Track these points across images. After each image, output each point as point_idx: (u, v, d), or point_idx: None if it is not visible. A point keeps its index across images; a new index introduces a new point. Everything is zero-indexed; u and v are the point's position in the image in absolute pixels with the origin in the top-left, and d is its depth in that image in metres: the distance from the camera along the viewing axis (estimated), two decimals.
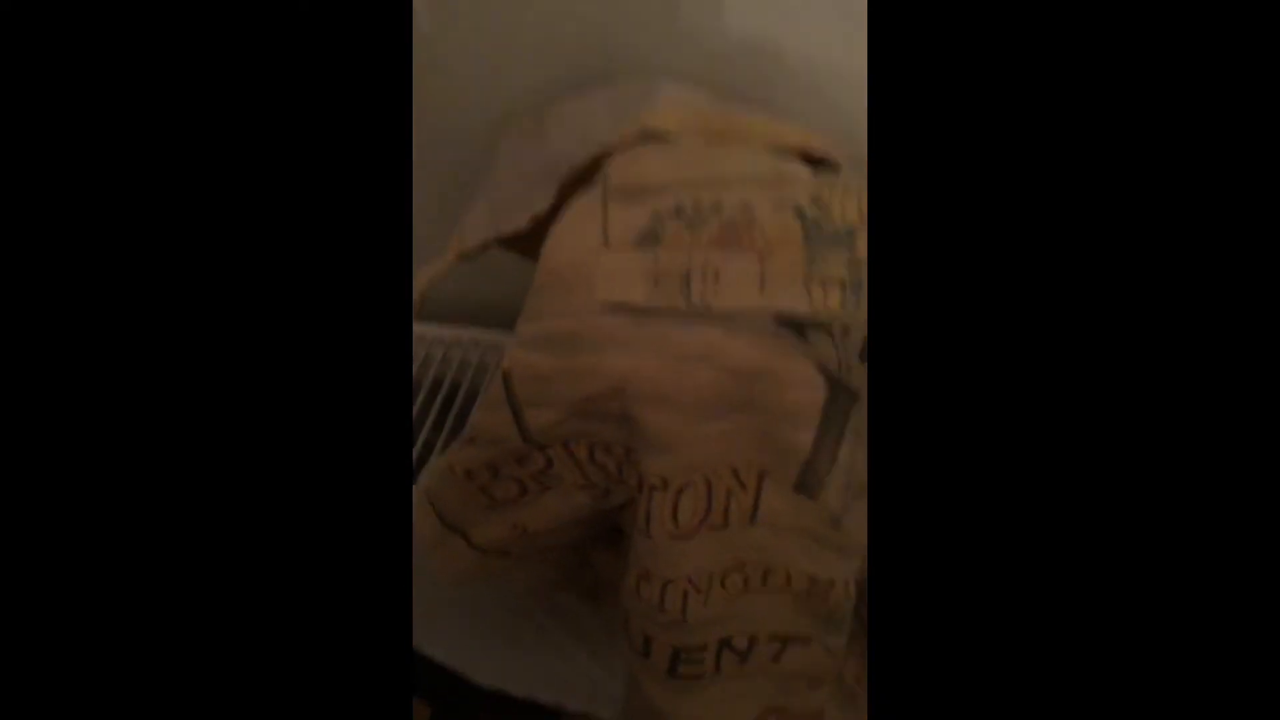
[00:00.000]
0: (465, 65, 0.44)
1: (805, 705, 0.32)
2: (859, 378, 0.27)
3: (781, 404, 0.27)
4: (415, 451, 0.49)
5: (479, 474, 0.33)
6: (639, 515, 0.30)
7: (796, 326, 0.27)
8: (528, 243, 0.32)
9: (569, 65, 0.42)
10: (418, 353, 0.54)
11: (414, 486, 0.39)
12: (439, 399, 0.52)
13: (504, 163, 0.39)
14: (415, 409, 0.51)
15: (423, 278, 0.34)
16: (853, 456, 0.27)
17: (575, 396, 0.29)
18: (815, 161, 0.33)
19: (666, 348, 0.28)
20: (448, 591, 0.42)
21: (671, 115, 0.33)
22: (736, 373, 0.27)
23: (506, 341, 0.34)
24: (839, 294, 0.27)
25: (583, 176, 0.32)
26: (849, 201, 0.29)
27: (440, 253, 0.35)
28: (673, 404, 0.28)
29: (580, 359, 0.29)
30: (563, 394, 0.29)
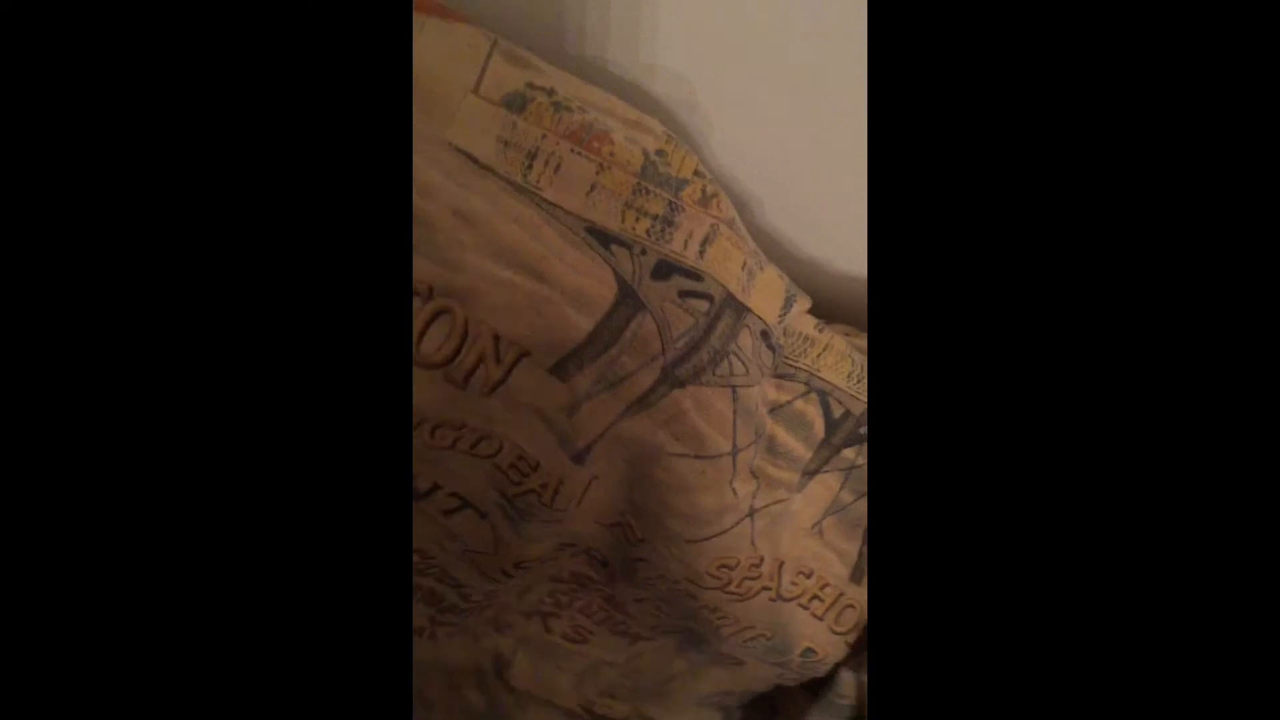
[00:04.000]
0: None
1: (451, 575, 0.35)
2: (647, 290, 0.32)
3: (572, 287, 0.31)
4: None
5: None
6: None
7: (602, 237, 0.31)
8: None
9: None
10: None
11: None
12: None
13: None
14: None
15: None
16: (620, 355, 0.32)
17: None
18: None
19: (491, 199, 0.30)
20: None
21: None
22: (542, 245, 0.31)
23: None
24: (648, 224, 0.32)
25: None
26: (688, 161, 0.33)
27: None
28: (480, 235, 0.30)
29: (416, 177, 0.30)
30: None
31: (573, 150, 0.31)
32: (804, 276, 0.42)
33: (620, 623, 0.46)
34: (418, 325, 0.31)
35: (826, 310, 0.40)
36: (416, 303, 0.31)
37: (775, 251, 0.41)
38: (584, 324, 0.31)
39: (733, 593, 0.40)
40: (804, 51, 0.35)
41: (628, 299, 0.31)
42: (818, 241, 0.44)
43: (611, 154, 0.31)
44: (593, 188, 0.31)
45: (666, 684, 0.50)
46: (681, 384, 0.33)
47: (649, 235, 0.32)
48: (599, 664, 0.48)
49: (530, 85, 0.31)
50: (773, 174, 0.42)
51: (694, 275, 0.32)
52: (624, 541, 0.39)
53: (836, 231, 0.44)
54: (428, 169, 0.30)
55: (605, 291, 0.31)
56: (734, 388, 0.34)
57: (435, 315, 0.31)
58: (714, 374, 0.33)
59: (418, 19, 0.31)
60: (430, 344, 0.31)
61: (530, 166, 0.31)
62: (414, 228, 0.31)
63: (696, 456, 0.34)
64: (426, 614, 0.44)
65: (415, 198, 0.30)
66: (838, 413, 0.38)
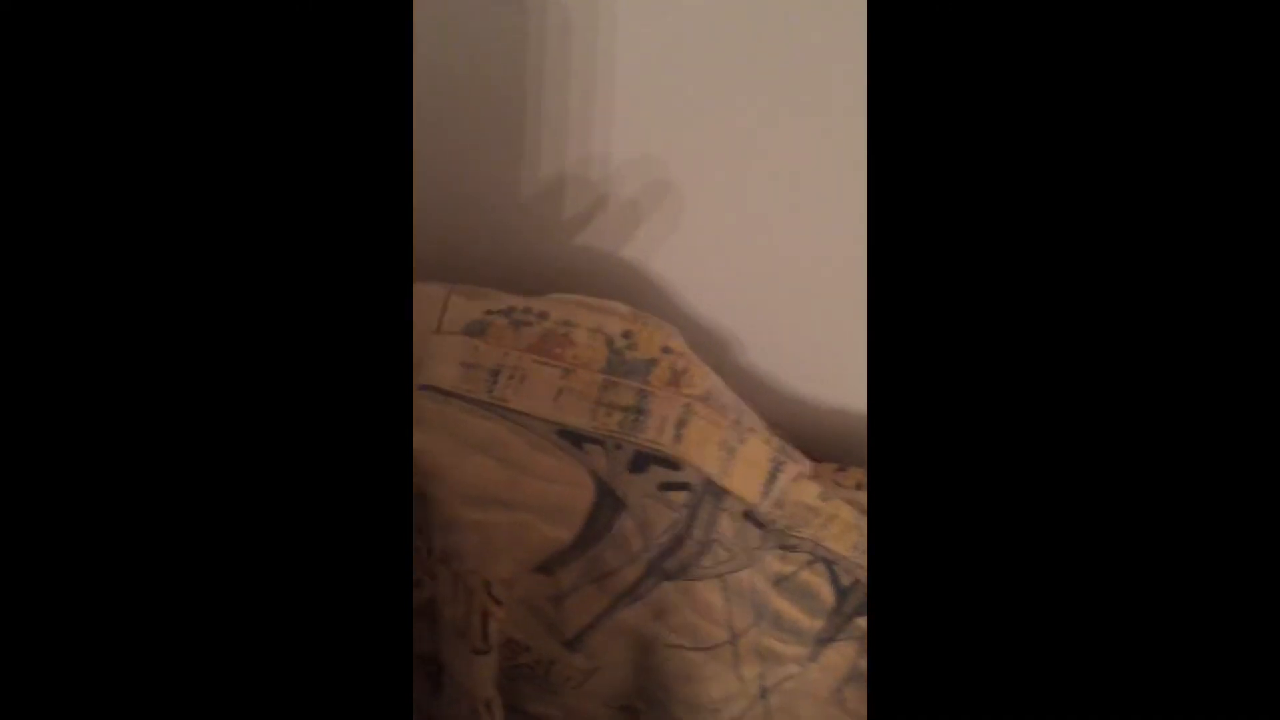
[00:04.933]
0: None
1: None
2: (625, 486, 0.31)
3: (548, 503, 0.30)
4: None
5: None
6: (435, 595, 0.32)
7: (574, 437, 0.31)
8: None
9: None
10: None
11: None
12: None
13: None
14: None
15: None
16: (603, 553, 0.31)
17: None
18: None
19: (456, 430, 0.31)
20: None
21: None
22: (510, 466, 0.31)
23: None
24: (620, 417, 0.32)
25: None
26: (655, 337, 0.33)
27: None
28: (449, 485, 0.31)
29: None
30: None
31: (535, 361, 0.32)
32: (791, 416, 0.41)
33: None
34: (444, 596, 0.31)
35: (814, 448, 0.39)
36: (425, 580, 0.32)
37: (759, 395, 0.40)
38: (564, 536, 0.31)
39: None
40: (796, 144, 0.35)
41: (606, 499, 0.31)
42: (803, 378, 0.43)
43: (575, 356, 0.32)
44: (560, 392, 0.31)
45: None
46: (670, 577, 0.32)
47: (621, 428, 0.31)
48: None
49: (488, 311, 0.32)
50: (756, 308, 0.41)
51: (672, 464, 0.31)
52: None
53: (824, 366, 0.43)
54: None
55: (582, 495, 0.31)
56: (722, 575, 0.32)
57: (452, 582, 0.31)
58: (699, 567, 0.32)
59: None
60: (449, 614, 0.32)
61: (495, 382, 0.31)
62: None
63: (694, 649, 0.33)
64: None
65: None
66: (846, 581, 0.36)
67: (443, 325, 0.33)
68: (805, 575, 0.36)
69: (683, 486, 0.31)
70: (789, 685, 0.36)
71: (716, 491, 0.32)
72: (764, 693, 0.36)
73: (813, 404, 0.44)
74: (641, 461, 0.31)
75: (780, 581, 0.35)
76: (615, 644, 0.33)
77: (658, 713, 0.35)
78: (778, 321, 0.42)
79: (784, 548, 0.35)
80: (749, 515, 0.33)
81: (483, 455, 0.31)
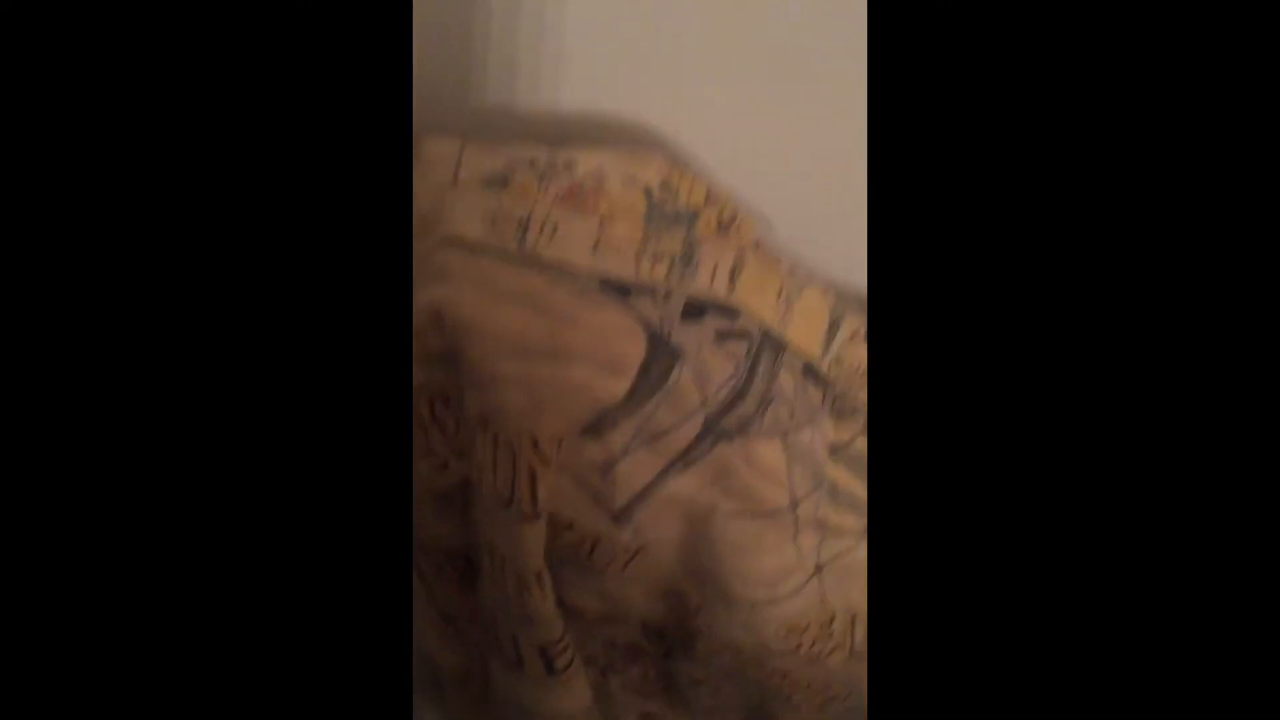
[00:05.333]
0: None
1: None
2: (680, 335, 0.28)
3: (597, 354, 0.28)
4: None
5: None
6: (472, 468, 0.30)
7: (619, 287, 0.29)
8: None
9: None
10: None
11: None
12: None
13: None
14: None
15: None
16: (656, 409, 0.28)
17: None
18: None
19: (487, 283, 0.28)
20: None
21: None
22: (550, 317, 0.28)
23: None
24: (667, 266, 0.29)
25: None
26: (697, 186, 0.31)
27: None
28: (486, 338, 0.28)
29: (415, 296, 0.29)
30: None
31: (568, 212, 0.29)
32: None
33: (677, 699, 0.43)
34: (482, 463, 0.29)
35: None
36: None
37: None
38: (617, 389, 0.28)
39: (805, 657, 0.36)
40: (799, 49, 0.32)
41: (660, 348, 0.28)
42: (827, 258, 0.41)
43: (610, 207, 0.29)
44: (598, 243, 0.29)
45: None
46: (728, 437, 0.29)
47: (670, 278, 0.29)
48: (651, 715, 0.45)
49: (510, 162, 0.30)
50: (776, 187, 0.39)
51: (729, 312, 0.29)
52: (681, 611, 0.35)
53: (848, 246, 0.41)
54: (430, 287, 0.29)
55: (634, 345, 0.28)
56: (784, 434, 0.30)
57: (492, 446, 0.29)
58: (759, 424, 0.29)
59: None
60: (489, 482, 0.29)
61: (525, 234, 0.29)
62: (432, 360, 0.30)
63: (753, 515, 0.30)
64: None
65: (424, 325, 0.29)
66: None
67: (459, 179, 0.30)
68: (861, 443, 0.34)
69: (741, 335, 0.29)
70: (844, 561, 0.34)
71: (775, 343, 0.29)
72: (819, 569, 0.34)
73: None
74: (695, 309, 0.28)
75: (836, 452, 0.33)
76: (666, 516, 0.31)
77: (708, 590, 0.33)
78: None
79: (839, 412, 0.33)
80: (808, 371, 0.31)
81: (520, 306, 0.28)
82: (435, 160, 0.31)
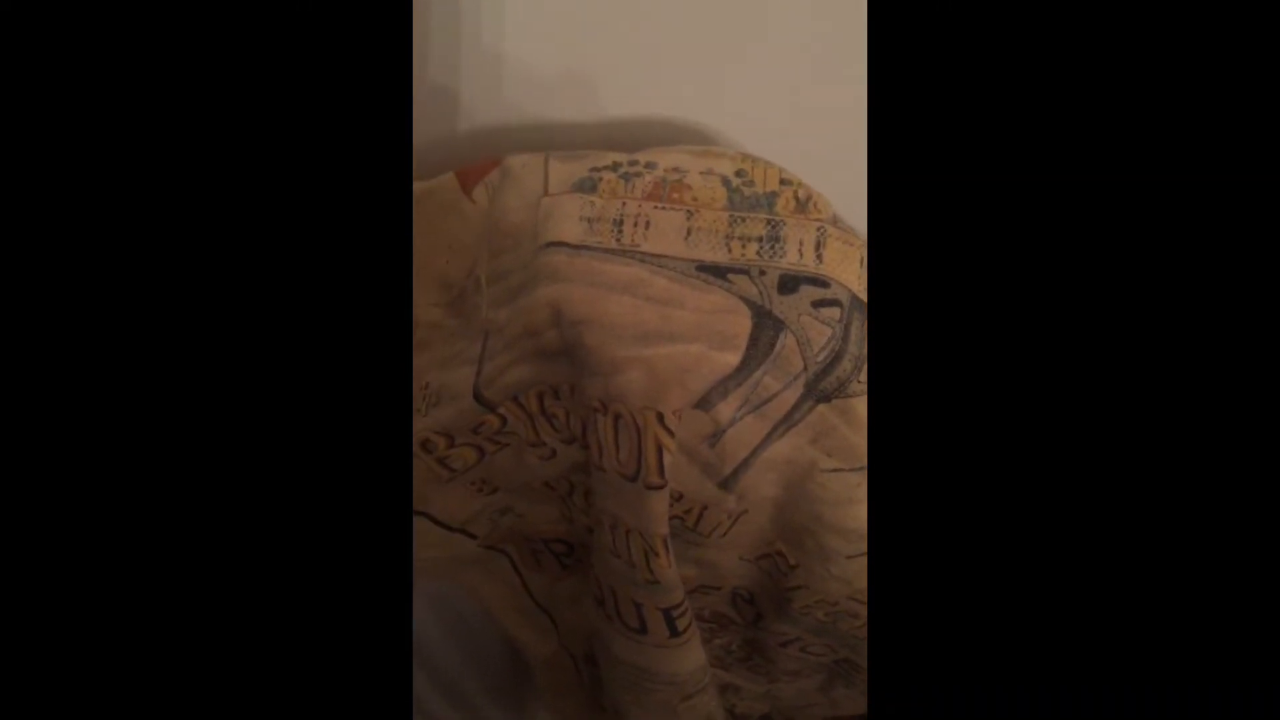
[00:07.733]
0: None
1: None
2: (780, 307, 0.31)
3: (708, 331, 0.30)
4: None
5: (434, 444, 0.33)
6: (591, 450, 0.32)
7: (717, 271, 0.31)
8: None
9: None
10: None
11: None
12: None
13: None
14: None
15: None
16: (764, 377, 0.31)
17: (518, 333, 0.31)
18: None
19: (594, 277, 0.31)
20: None
21: None
22: (658, 303, 0.30)
23: None
24: (756, 246, 0.31)
25: None
26: (770, 172, 0.33)
27: None
28: (601, 326, 0.30)
29: (522, 298, 0.31)
30: (510, 335, 0.31)
31: (656, 207, 0.31)
32: None
33: (760, 665, 0.45)
34: (604, 443, 0.31)
35: None
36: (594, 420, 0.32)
37: None
38: (732, 359, 0.30)
39: None
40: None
41: (764, 320, 0.31)
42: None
43: (695, 198, 0.32)
44: (689, 232, 0.31)
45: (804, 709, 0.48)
46: (827, 398, 0.32)
47: (760, 257, 0.31)
48: (730, 686, 0.47)
49: (594, 169, 0.32)
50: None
51: (820, 282, 0.31)
52: (775, 573, 0.38)
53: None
54: (542, 288, 0.31)
55: (739, 319, 0.30)
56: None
57: (614, 426, 0.31)
58: (855, 383, 0.32)
59: (477, 191, 0.35)
60: (611, 460, 0.31)
61: (620, 230, 0.31)
62: (547, 356, 0.32)
63: (851, 469, 0.33)
64: None
65: (542, 323, 0.31)
66: None
67: (549, 188, 0.32)
68: None
69: (835, 303, 0.31)
70: None
71: (863, 309, 0.32)
72: None
73: None
74: (790, 282, 0.31)
75: None
76: (767, 479, 0.33)
77: (805, 546, 0.35)
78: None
79: None
80: None
81: (629, 296, 0.30)
82: (523, 174, 0.33)
